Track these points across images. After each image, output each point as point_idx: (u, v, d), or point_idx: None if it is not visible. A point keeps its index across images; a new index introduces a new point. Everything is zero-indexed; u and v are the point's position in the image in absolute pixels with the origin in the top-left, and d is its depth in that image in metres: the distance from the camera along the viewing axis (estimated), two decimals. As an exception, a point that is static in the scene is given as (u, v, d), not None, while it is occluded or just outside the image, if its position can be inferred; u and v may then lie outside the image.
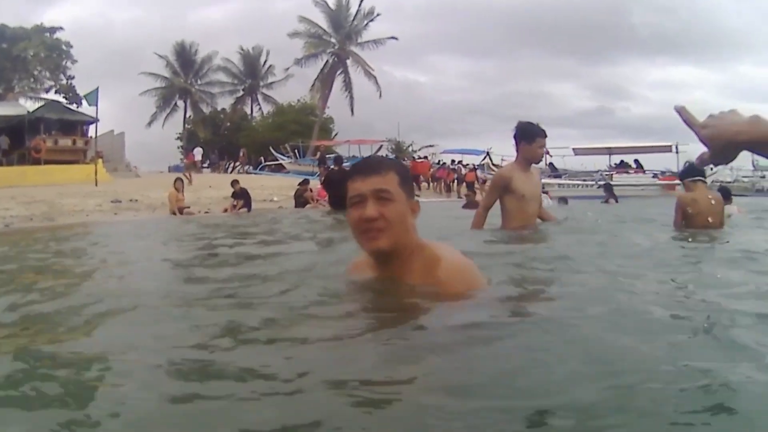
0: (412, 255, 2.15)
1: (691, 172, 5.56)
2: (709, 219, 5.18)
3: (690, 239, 4.55)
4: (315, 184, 18.36)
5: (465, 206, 13.14)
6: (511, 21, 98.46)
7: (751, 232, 5.83)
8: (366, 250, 2.19)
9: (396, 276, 2.17)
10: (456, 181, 29.04)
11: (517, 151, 4.92)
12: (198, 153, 34.56)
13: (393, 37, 46.77)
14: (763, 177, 39.70)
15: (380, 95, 46.43)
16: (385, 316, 2.00)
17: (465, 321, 1.83)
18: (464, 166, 31.53)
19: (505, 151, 40.42)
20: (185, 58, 49.47)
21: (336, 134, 48.85)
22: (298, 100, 49.70)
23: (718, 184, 29.39)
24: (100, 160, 24.22)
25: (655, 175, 32.38)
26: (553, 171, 35.26)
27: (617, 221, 6.95)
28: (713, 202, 5.32)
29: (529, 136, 4.83)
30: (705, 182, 5.72)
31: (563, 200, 20.96)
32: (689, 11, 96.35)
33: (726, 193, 7.80)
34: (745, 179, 39.32)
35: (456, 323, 1.82)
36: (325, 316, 2.02)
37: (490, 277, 2.37)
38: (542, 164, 35.72)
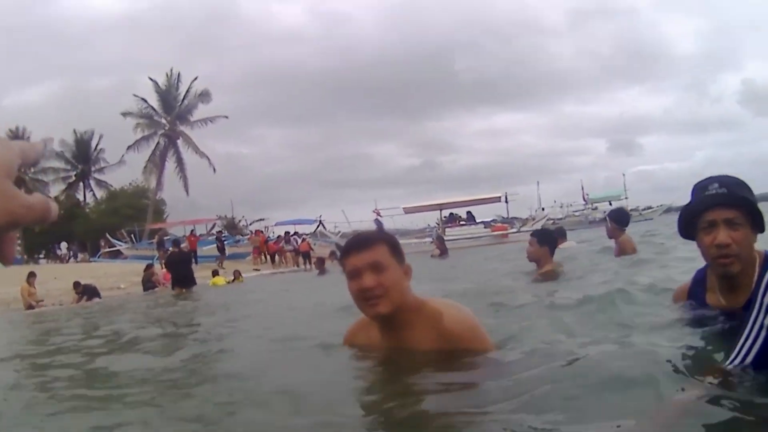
0: (412, 313, 2.35)
1: (626, 222, 6.87)
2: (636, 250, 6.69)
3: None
4: (157, 267, 19.23)
5: (320, 273, 15.16)
6: (328, 85, 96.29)
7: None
8: (369, 316, 2.39)
9: (402, 336, 2.38)
10: (295, 253, 30.07)
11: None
12: (63, 246, 33.99)
13: (224, 116, 47.51)
14: (595, 209, 42.28)
15: (214, 171, 47.24)
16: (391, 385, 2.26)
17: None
18: (299, 236, 33.35)
19: (334, 217, 42.01)
20: (16, 146, 48.04)
21: (167, 216, 48.47)
22: (130, 184, 49.43)
23: (551, 222, 31.73)
24: (-63, 259, 23.45)
25: (486, 225, 33.74)
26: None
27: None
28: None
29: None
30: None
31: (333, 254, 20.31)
32: (510, 55, 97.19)
33: (561, 233, 8.41)
34: (577, 213, 43.19)
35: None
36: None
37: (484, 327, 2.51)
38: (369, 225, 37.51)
